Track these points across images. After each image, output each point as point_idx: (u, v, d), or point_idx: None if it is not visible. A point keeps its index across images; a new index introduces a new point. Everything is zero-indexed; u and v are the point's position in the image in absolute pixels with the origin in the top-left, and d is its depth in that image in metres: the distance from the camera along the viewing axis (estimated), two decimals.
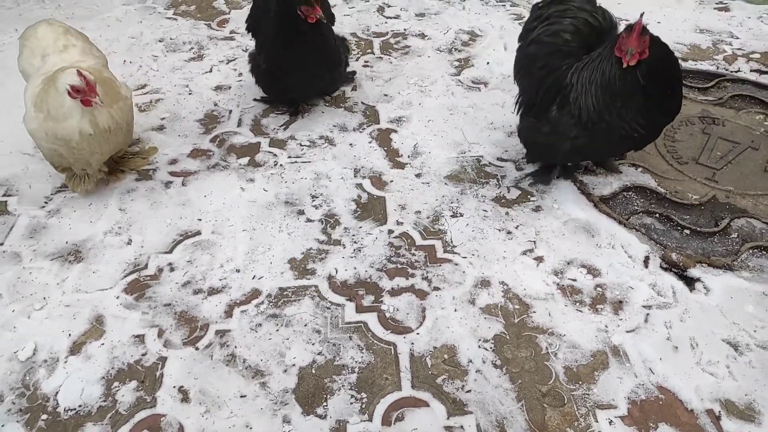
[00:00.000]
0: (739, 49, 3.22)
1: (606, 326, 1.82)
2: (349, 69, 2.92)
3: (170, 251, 2.08)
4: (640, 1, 3.56)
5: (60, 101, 1.91)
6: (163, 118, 2.72)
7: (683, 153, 2.50)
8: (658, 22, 3.47)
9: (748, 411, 1.59)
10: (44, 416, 1.59)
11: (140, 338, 1.79)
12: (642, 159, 2.46)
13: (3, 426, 1.56)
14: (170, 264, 2.03)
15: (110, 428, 1.57)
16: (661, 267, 2.00)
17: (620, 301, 1.90)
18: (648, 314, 1.85)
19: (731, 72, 3.03)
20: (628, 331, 1.80)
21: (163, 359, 1.73)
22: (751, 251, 2.05)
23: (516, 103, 2.35)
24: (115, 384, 1.67)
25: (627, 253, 2.05)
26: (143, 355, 1.75)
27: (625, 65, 1.87)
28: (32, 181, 2.35)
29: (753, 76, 2.99)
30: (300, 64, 2.49)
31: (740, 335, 1.78)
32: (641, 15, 1.84)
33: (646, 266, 2.01)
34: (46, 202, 2.26)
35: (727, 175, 2.38)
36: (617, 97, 1.95)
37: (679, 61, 2.12)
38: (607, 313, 1.86)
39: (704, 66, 3.08)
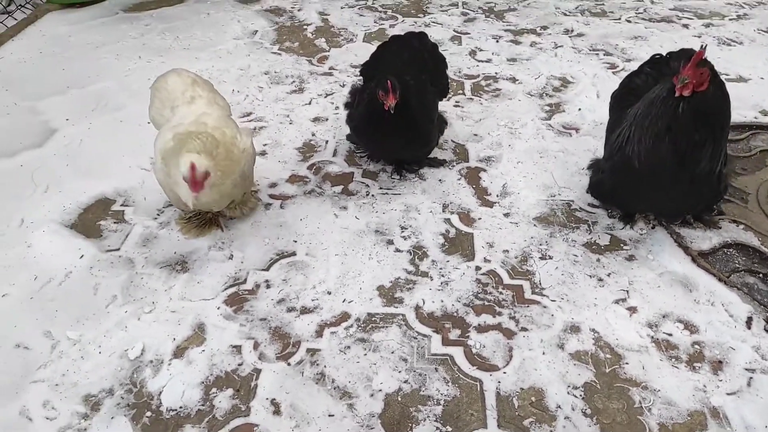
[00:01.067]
0: None
1: (704, 386, 1.75)
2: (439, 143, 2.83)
3: (267, 269, 2.19)
4: (743, 58, 3.48)
5: (177, 171, 1.98)
6: (266, 145, 2.90)
7: None
8: (761, 78, 3.36)
9: None
10: (148, 413, 1.70)
11: (237, 348, 1.89)
12: (744, 216, 2.37)
13: (112, 418, 1.68)
14: (267, 281, 2.14)
15: (207, 431, 1.65)
16: (765, 329, 1.91)
17: (720, 361, 1.81)
18: (751, 378, 1.76)
19: None
20: (728, 394, 1.72)
21: (257, 371, 1.82)
22: None
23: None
24: (213, 390, 1.76)
25: (728, 312, 1.97)
26: (239, 365, 1.84)
27: (677, 94, 1.83)
28: (147, 194, 2.55)
29: None
30: (380, 139, 2.53)
31: None
32: (703, 46, 1.81)
33: (749, 327, 1.92)
34: (158, 214, 2.45)
35: None
36: (647, 119, 1.93)
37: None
38: (705, 372, 1.79)
39: None
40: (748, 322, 1.93)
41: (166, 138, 2.06)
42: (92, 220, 2.42)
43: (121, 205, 2.50)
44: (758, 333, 1.89)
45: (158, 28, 4.07)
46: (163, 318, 1.99)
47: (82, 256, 2.21)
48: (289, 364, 1.84)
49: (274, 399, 1.73)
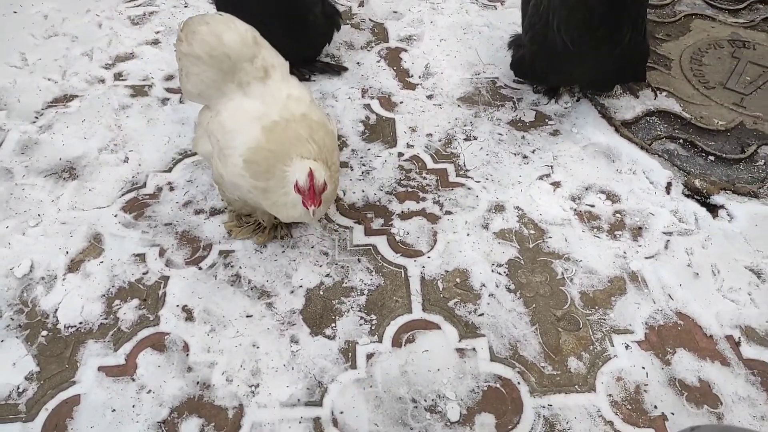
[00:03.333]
0: None
1: (624, 252, 1.76)
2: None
3: (169, 170, 1.98)
4: None
5: (286, 187, 1.46)
6: (158, 32, 2.55)
7: (710, 77, 2.36)
8: None
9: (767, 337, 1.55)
10: (44, 332, 1.54)
11: (141, 257, 1.72)
12: (667, 83, 2.32)
13: (2, 341, 1.52)
14: (170, 183, 1.93)
15: (112, 345, 1.52)
16: (683, 194, 1.92)
17: (640, 228, 1.82)
18: (668, 240, 1.78)
19: None
20: (647, 258, 1.74)
21: (165, 278, 1.67)
22: None
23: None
24: (117, 302, 1.61)
25: (648, 179, 1.96)
26: (144, 273, 1.68)
27: None
28: (21, 95, 2.21)
29: None
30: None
31: (764, 263, 1.71)
32: None
33: (668, 192, 1.92)
34: (36, 117, 2.14)
35: (756, 100, 2.25)
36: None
37: None
38: (625, 240, 1.79)
39: None
40: (668, 188, 1.93)
41: (253, 134, 1.47)
42: None
43: None
44: (676, 197, 1.91)
45: None
46: (52, 231, 1.78)
47: None
48: (200, 269, 1.70)
49: (186, 305, 1.61)
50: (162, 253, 1.73)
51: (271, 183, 1.48)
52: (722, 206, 1.87)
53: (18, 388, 1.44)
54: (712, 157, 2.03)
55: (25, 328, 1.55)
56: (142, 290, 1.64)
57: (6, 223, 1.78)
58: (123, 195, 1.89)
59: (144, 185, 1.92)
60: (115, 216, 1.82)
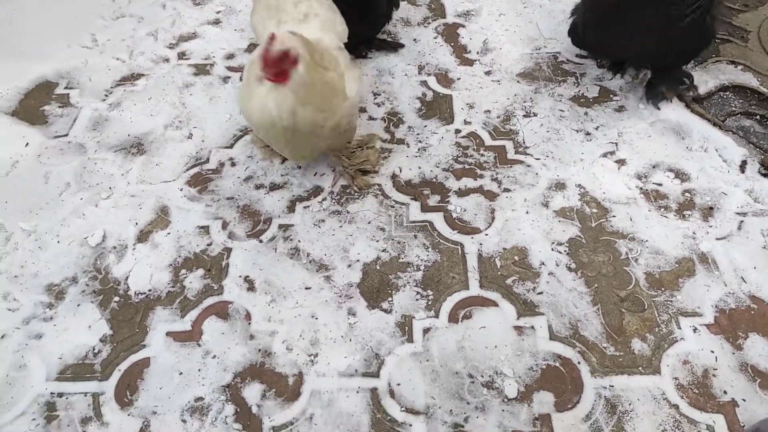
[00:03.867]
0: None
1: (694, 233, 1.68)
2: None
3: (231, 146, 2.03)
4: None
5: (250, 72, 1.47)
6: (219, 12, 2.60)
7: None
8: None
9: None
10: (116, 298, 1.63)
11: (205, 229, 1.78)
12: (743, 56, 2.18)
13: (78, 305, 1.61)
14: (231, 159, 1.98)
15: (179, 312, 1.59)
16: (760, 172, 1.81)
17: (711, 207, 1.74)
18: (742, 221, 1.69)
19: None
20: (718, 239, 1.66)
21: (228, 250, 1.72)
22: None
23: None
24: (183, 271, 1.68)
25: (722, 157, 1.86)
26: (208, 245, 1.74)
27: None
28: (92, 74, 2.31)
29: None
30: None
31: None
32: None
33: (743, 171, 1.82)
34: (106, 95, 2.23)
35: None
36: None
37: None
38: (695, 220, 1.71)
39: None
40: (742, 166, 1.83)
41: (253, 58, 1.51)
42: (35, 105, 2.20)
43: (65, 87, 2.27)
44: (752, 176, 1.80)
45: None
46: (122, 203, 1.86)
47: (27, 144, 2.03)
48: (261, 241, 1.74)
49: (248, 276, 1.66)
50: (225, 225, 1.79)
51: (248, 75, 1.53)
52: None
53: (93, 349, 1.52)
54: None
55: (99, 294, 1.64)
56: (207, 261, 1.70)
57: (80, 195, 1.88)
58: (188, 170, 1.95)
59: (207, 161, 1.98)
60: (181, 190, 1.89)
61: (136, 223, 1.80)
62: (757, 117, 1.97)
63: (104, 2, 2.66)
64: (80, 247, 1.75)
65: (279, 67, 1.37)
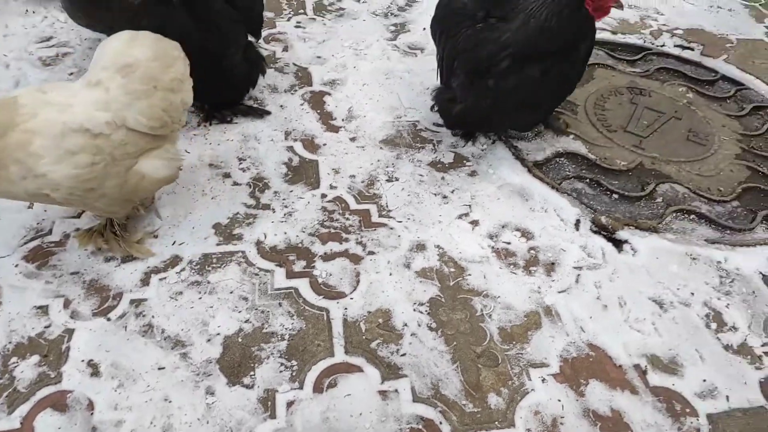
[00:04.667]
0: (664, 24, 3.32)
1: (539, 287, 1.82)
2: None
3: (78, 216, 1.88)
4: None
5: None
6: (71, 74, 2.47)
7: (612, 121, 2.54)
8: None
9: (671, 365, 1.64)
10: None
11: (43, 309, 1.61)
12: (574, 126, 2.48)
13: None
14: (78, 229, 1.84)
15: (6, 408, 1.40)
16: (591, 230, 2.03)
17: (552, 263, 1.90)
18: (579, 275, 1.87)
19: (657, 46, 3.11)
20: (560, 292, 1.81)
21: (69, 331, 1.57)
22: (674, 214, 2.12)
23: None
24: (13, 359, 1.49)
25: (559, 217, 2.06)
26: (46, 327, 1.57)
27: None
28: None
29: (676, 51, 3.08)
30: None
31: (665, 293, 1.83)
32: None
33: (577, 229, 2.03)
34: None
35: (653, 142, 2.44)
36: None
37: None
38: (540, 275, 1.86)
39: (632, 39, 3.15)
40: (577, 224, 2.04)
41: None
42: None
43: None
44: (585, 233, 2.01)
45: None
46: None
47: None
48: (108, 320, 1.61)
49: (92, 360, 1.51)
50: (67, 304, 1.63)
51: None
52: (626, 241, 1.99)
53: None
54: (615, 195, 2.17)
55: None
56: (43, 345, 1.53)
57: None
58: (25, 243, 1.78)
59: (50, 232, 1.82)
60: (16, 266, 1.71)
61: None
62: (587, 180, 2.23)
63: None
64: None
65: None
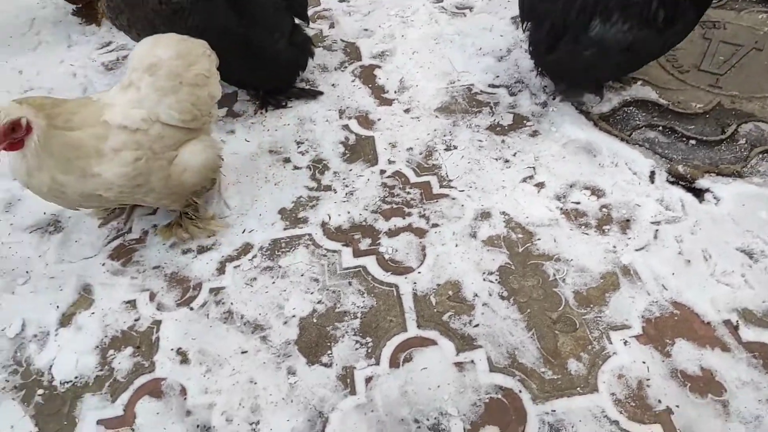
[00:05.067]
0: None
1: (614, 246, 1.75)
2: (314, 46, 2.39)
3: (153, 213, 1.98)
4: None
5: None
6: None
7: (684, 61, 2.36)
8: None
9: (766, 317, 1.54)
10: (41, 391, 1.53)
11: (131, 303, 1.72)
12: (641, 71, 2.32)
13: None
14: (155, 225, 1.93)
15: (110, 396, 1.51)
16: (667, 181, 1.91)
17: (627, 220, 1.81)
18: (657, 230, 1.77)
19: None
20: (637, 250, 1.73)
21: (157, 323, 1.66)
22: (760, 156, 1.96)
23: (531, 42, 2.16)
24: (111, 352, 1.61)
25: (632, 170, 1.95)
26: (136, 320, 1.68)
27: None
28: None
29: None
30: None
31: (754, 242, 1.70)
32: None
33: (653, 182, 1.91)
34: None
35: (731, 79, 2.25)
36: None
37: None
38: (614, 234, 1.78)
39: None
40: (651, 177, 1.93)
41: None
42: None
43: None
44: (661, 185, 1.90)
45: None
46: (41, 287, 1.77)
47: None
48: (191, 309, 1.69)
49: (180, 348, 1.60)
50: (152, 297, 1.73)
51: None
52: (708, 190, 1.86)
53: None
54: (693, 141, 2.03)
55: (21, 389, 1.54)
56: (135, 337, 1.64)
57: None
58: (109, 243, 1.89)
59: (130, 230, 1.92)
60: (103, 265, 1.82)
61: (58, 307, 1.72)
62: (660, 128, 2.09)
63: (10, 75, 2.58)
64: None
65: (11, 136, 1.41)
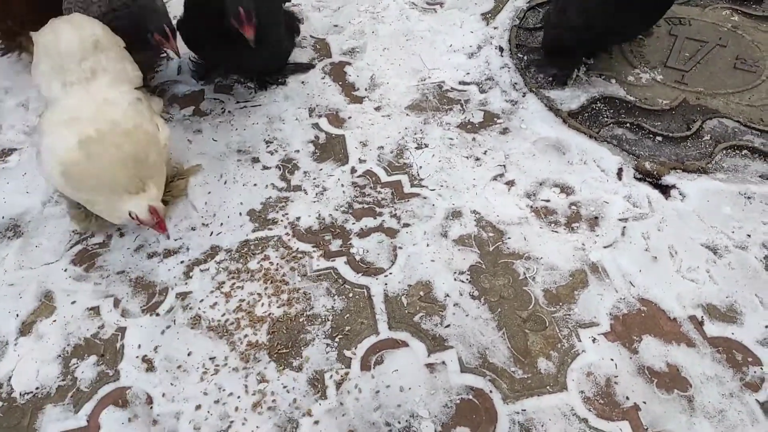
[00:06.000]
0: None
1: (583, 244, 1.76)
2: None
3: None
4: None
5: (120, 213, 1.61)
6: None
7: (651, 57, 2.38)
8: None
9: (730, 313, 1.57)
10: None
11: (95, 310, 1.67)
12: (609, 68, 2.34)
13: None
14: (119, 229, 1.88)
15: (72, 407, 1.47)
16: (635, 177, 1.93)
17: (596, 217, 1.83)
18: (625, 227, 1.79)
19: None
20: (605, 247, 1.75)
21: (122, 329, 1.62)
22: (725, 152, 1.99)
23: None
24: (73, 361, 1.56)
25: (600, 167, 1.97)
26: (100, 327, 1.63)
27: None
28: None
29: None
30: (229, 58, 2.15)
31: (718, 238, 1.73)
32: None
33: (620, 178, 1.93)
34: None
35: (696, 76, 2.28)
36: None
37: None
38: (583, 231, 1.80)
39: None
40: (619, 174, 1.95)
41: (68, 143, 1.53)
42: None
43: None
44: (629, 182, 1.92)
45: None
46: (0, 294, 1.71)
47: None
48: (157, 315, 1.66)
49: (146, 356, 1.56)
50: (117, 303, 1.68)
51: (94, 198, 1.62)
52: (674, 186, 1.88)
53: None
54: (659, 138, 2.06)
55: None
56: (99, 345, 1.59)
57: None
58: (71, 247, 1.83)
59: (92, 234, 1.87)
60: (65, 270, 1.77)
61: (17, 315, 1.66)
62: (627, 125, 2.11)
63: None
64: None
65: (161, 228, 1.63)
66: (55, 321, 1.64)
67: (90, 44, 1.67)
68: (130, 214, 1.57)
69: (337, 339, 1.58)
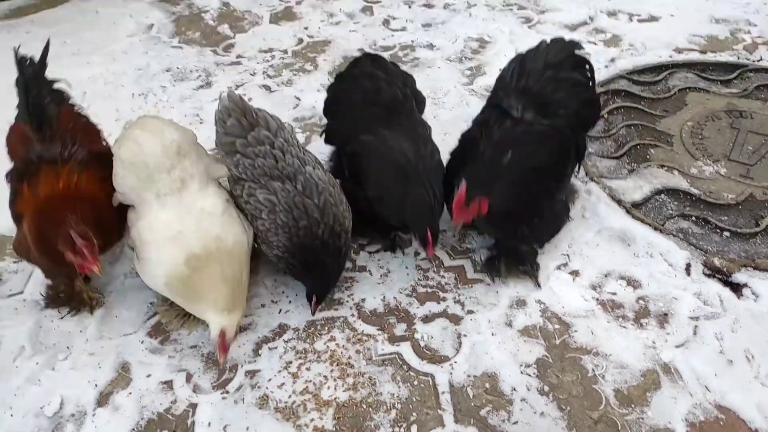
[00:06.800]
0: (758, 36, 3.12)
1: (653, 342, 1.73)
2: None
3: None
4: None
5: (206, 316, 1.70)
6: None
7: (713, 150, 2.40)
8: (672, 15, 3.38)
9: None
10: None
11: (168, 384, 1.72)
12: (671, 159, 2.37)
13: None
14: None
15: None
16: (704, 274, 1.91)
17: (665, 314, 1.81)
18: (696, 326, 1.76)
19: (753, 61, 2.92)
20: (677, 346, 1.71)
21: (193, 405, 1.67)
22: None
23: None
24: None
25: (667, 261, 1.96)
26: (173, 402, 1.68)
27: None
28: None
29: None
30: None
31: None
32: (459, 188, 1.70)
33: (689, 274, 1.92)
34: None
35: (762, 170, 2.28)
36: None
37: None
38: (652, 328, 1.77)
39: (724, 57, 2.98)
40: (687, 269, 1.93)
41: (175, 259, 1.64)
42: None
43: None
44: (698, 279, 1.90)
45: (41, 35, 3.67)
46: (80, 363, 1.79)
47: None
48: (227, 392, 1.70)
49: None
50: (189, 378, 1.74)
51: (188, 304, 1.73)
52: (746, 284, 1.85)
53: None
54: (727, 233, 2.04)
55: None
56: (171, 421, 1.64)
57: (36, 359, 1.80)
58: (149, 319, 1.92)
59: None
60: (142, 342, 1.85)
61: (96, 385, 1.73)
62: (693, 218, 2.11)
63: None
64: (35, 419, 1.65)
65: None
66: (130, 393, 1.70)
67: (173, 152, 1.71)
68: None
69: (402, 428, 1.58)
